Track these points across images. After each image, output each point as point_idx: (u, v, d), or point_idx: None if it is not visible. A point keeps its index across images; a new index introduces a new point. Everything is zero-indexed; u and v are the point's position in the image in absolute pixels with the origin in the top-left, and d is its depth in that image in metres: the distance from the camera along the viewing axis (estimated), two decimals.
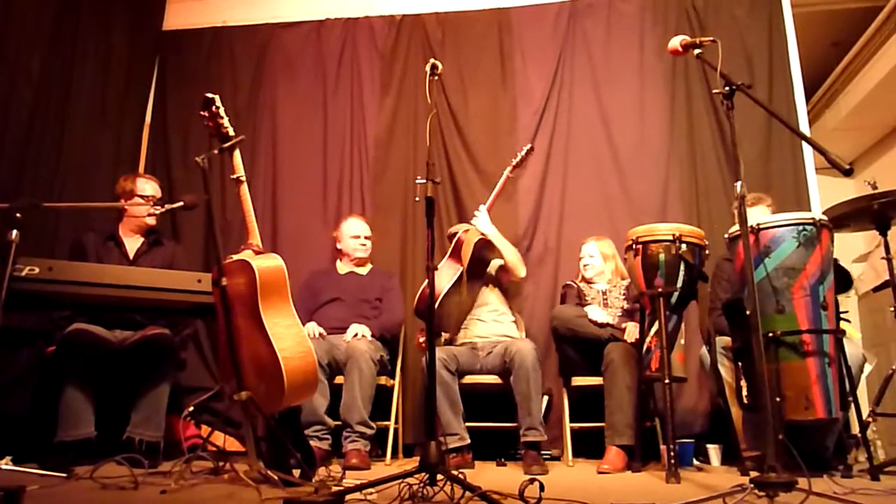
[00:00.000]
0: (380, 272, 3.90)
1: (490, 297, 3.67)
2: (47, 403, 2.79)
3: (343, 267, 3.83)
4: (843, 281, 2.97)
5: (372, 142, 4.44)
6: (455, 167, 4.30)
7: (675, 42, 2.37)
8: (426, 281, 2.69)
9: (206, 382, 3.94)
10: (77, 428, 2.73)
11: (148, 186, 3.36)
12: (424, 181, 2.47)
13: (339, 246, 3.86)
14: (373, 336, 3.48)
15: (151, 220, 3.35)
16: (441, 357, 3.24)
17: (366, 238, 3.83)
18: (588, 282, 3.66)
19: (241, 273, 2.34)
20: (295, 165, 4.49)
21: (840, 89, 5.41)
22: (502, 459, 3.45)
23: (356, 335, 3.42)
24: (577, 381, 3.45)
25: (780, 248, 2.49)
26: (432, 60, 2.64)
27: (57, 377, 2.80)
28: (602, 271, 3.65)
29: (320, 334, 3.46)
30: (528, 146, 3.85)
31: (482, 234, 3.59)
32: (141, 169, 4.48)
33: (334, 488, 2.10)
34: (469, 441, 3.24)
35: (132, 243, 3.32)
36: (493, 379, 3.43)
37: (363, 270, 3.84)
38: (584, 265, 3.66)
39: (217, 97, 2.47)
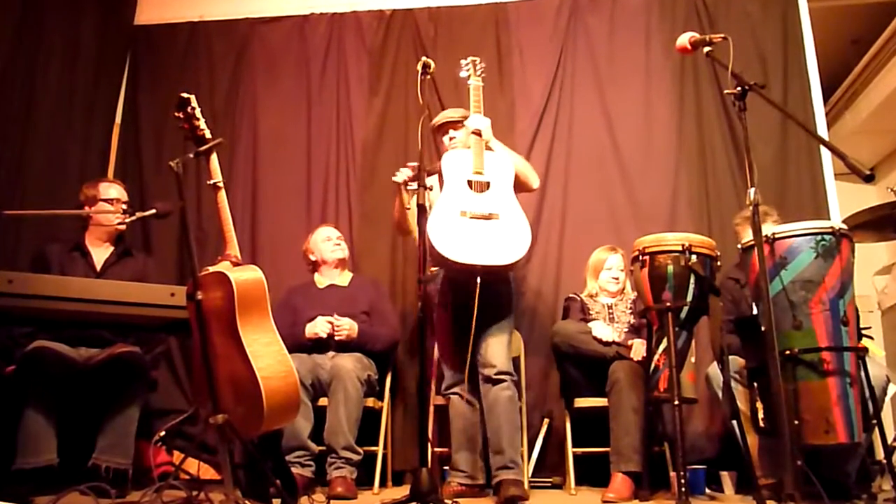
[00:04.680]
0: (363, 281, 3.88)
1: None
2: (6, 427, 2.76)
3: (322, 280, 3.80)
4: None
5: (359, 145, 4.44)
6: None
7: (684, 39, 2.40)
8: None
9: (179, 404, 3.91)
10: (38, 454, 2.69)
11: (112, 190, 3.35)
12: (415, 187, 2.49)
13: (312, 258, 3.83)
14: (359, 338, 3.48)
15: (122, 226, 3.34)
16: (459, 391, 3.16)
17: (338, 238, 3.83)
18: (592, 296, 3.66)
19: (217, 286, 2.33)
20: (276, 171, 4.48)
21: (860, 89, 5.45)
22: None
23: (341, 327, 3.44)
24: (580, 402, 3.44)
25: (797, 260, 2.50)
26: (424, 59, 2.66)
27: (17, 399, 2.77)
28: (625, 285, 3.66)
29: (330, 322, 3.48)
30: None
31: (477, 131, 3.13)
32: (110, 174, 4.45)
33: None
34: (481, 481, 3.13)
35: (99, 254, 3.31)
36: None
37: (344, 280, 3.81)
38: (614, 278, 3.63)
39: (193, 97, 2.47)
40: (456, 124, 3.33)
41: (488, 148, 3.15)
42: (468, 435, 3.13)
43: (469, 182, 3.03)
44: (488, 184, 3.04)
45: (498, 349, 3.05)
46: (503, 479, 2.89)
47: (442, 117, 3.38)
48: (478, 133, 3.10)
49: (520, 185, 3.22)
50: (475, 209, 2.95)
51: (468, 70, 3.26)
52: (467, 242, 2.85)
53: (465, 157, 3.10)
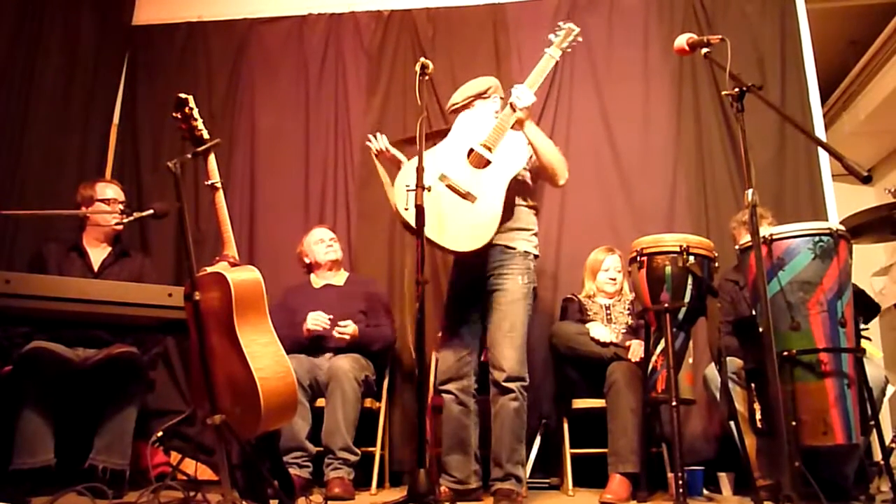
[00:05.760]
0: (359, 280, 3.89)
1: None
2: (3, 428, 2.76)
3: (317, 280, 3.80)
4: (869, 311, 2.98)
5: (357, 146, 4.44)
6: None
7: (682, 40, 2.40)
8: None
9: (176, 405, 3.91)
10: (35, 455, 2.69)
11: (109, 190, 3.36)
12: (414, 188, 2.48)
13: (307, 260, 3.83)
14: (360, 338, 3.47)
15: (119, 227, 3.34)
16: (453, 389, 2.99)
17: (331, 240, 3.82)
18: (590, 296, 3.66)
19: (215, 287, 2.33)
20: (274, 171, 4.48)
21: (858, 90, 5.45)
22: None
23: (344, 330, 3.43)
24: (578, 403, 3.44)
25: (795, 261, 2.50)
26: (422, 59, 2.65)
27: (13, 399, 2.77)
28: (622, 286, 3.66)
29: (330, 320, 3.46)
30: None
31: (518, 107, 2.85)
32: (108, 174, 4.45)
33: None
34: (474, 486, 2.97)
35: (97, 254, 3.31)
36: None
37: (339, 280, 3.82)
38: (611, 279, 3.64)
39: (191, 98, 2.47)
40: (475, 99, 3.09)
41: (517, 126, 2.90)
42: (459, 438, 2.99)
43: (470, 150, 2.84)
44: (488, 162, 2.83)
45: (506, 348, 2.86)
46: (498, 489, 2.84)
47: (462, 94, 3.14)
48: (512, 107, 2.87)
49: (545, 176, 3.05)
50: (456, 180, 2.75)
51: (556, 37, 3.06)
52: (426, 207, 2.52)
53: (482, 125, 2.89)
